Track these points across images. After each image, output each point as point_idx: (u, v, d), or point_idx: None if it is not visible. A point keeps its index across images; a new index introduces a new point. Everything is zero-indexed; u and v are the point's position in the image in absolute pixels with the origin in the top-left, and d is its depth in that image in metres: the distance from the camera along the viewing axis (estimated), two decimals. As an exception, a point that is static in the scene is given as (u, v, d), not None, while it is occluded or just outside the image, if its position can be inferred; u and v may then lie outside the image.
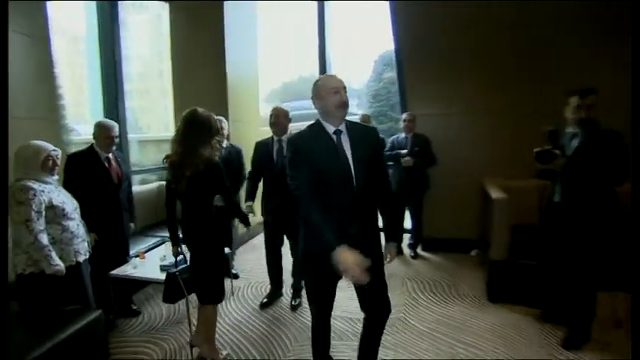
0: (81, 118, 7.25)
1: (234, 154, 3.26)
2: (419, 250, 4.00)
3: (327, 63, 4.75)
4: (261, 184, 2.92)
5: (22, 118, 2.50)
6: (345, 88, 1.66)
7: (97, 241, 2.41)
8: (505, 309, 2.75)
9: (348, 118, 1.71)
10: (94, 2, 3.72)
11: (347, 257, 1.43)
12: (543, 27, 3.55)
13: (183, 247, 2.25)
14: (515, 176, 3.31)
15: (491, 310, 2.76)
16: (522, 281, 2.78)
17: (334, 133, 1.66)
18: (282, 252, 3.00)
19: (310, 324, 1.87)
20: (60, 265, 1.92)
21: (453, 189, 3.84)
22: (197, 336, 2.23)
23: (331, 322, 1.87)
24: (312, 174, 1.59)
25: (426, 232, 4.00)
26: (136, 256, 2.73)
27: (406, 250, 4.00)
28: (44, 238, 1.88)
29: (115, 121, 2.73)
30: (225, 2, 4.18)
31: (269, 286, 3.06)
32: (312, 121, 1.73)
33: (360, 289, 1.70)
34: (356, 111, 9.96)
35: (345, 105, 1.63)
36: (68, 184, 2.31)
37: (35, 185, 1.91)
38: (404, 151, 3.70)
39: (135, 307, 2.85)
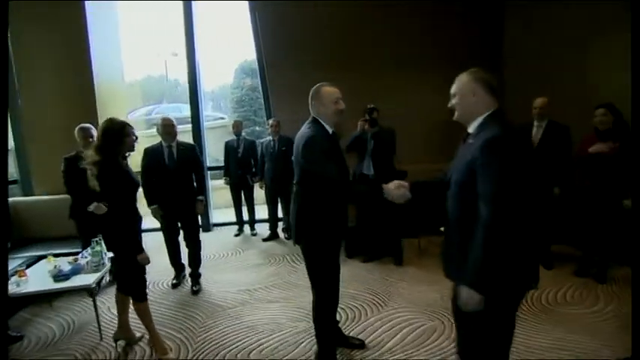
0: None
1: None
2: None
3: (195, 65, 4.94)
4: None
5: None
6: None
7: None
8: (355, 260, 3.82)
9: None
10: None
11: (389, 188, 1.77)
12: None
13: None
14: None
15: (349, 262, 3.78)
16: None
17: (332, 134, 2.02)
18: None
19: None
20: None
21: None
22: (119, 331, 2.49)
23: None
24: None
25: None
26: (13, 274, 2.58)
27: (282, 234, 4.76)
28: None
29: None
30: (86, 2, 4.02)
31: (160, 283, 3.43)
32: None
33: None
34: (210, 112, 10.23)
35: (343, 113, 2.01)
36: None
37: None
38: None
39: (15, 333, 2.66)
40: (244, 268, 3.82)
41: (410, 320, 2.64)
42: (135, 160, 3.26)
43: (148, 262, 2.27)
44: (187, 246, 3.36)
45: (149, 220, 3.17)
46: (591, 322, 2.56)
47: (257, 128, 9.16)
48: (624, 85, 2.81)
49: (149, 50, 14.70)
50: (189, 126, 5.12)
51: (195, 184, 3.33)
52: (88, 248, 2.79)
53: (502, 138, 1.34)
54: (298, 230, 2.04)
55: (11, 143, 4.44)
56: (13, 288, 2.44)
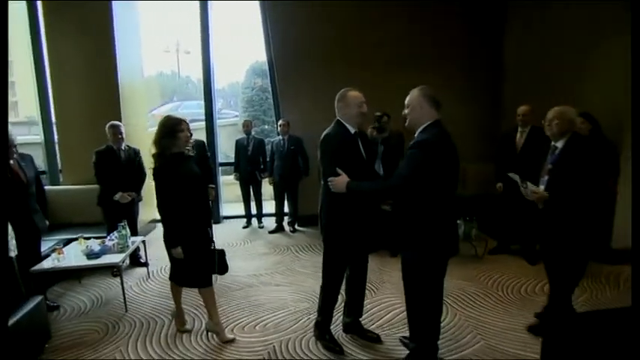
0: None
1: (133, 154, 3.73)
2: (296, 226, 5.14)
3: (210, 63, 5.23)
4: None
5: None
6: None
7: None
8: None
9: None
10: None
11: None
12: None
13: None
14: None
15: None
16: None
17: (354, 134, 2.21)
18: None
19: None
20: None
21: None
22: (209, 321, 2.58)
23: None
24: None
25: (301, 211, 5.08)
26: (52, 251, 2.95)
27: (287, 227, 5.09)
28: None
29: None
30: (113, 2, 4.33)
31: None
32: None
33: None
34: (222, 110, 10.62)
35: (365, 115, 2.21)
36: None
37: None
38: None
39: (52, 303, 3.03)
40: (252, 256, 4.16)
41: (400, 304, 2.93)
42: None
43: (181, 257, 2.30)
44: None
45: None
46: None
47: (266, 127, 9.54)
48: (623, 87, 3.09)
49: (160, 47, 15.14)
50: (203, 123, 5.45)
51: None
52: (115, 232, 3.16)
53: (430, 141, 1.82)
54: (321, 223, 2.29)
55: (41, 136, 4.86)
56: (54, 262, 2.82)
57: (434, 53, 4.91)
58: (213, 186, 3.73)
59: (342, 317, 2.60)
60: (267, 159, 4.99)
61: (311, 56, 4.90)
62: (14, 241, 2.42)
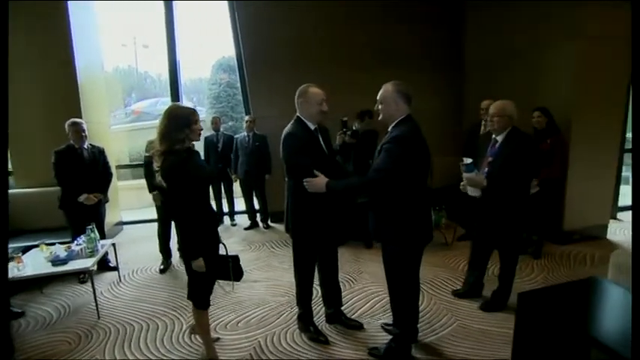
0: None
1: (98, 153, 3.53)
2: (269, 222, 5.12)
3: (176, 60, 5.13)
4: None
5: None
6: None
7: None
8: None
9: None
10: None
11: None
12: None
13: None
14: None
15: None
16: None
17: (314, 130, 2.23)
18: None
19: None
20: None
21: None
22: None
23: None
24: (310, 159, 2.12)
25: (272, 207, 5.03)
26: (10, 259, 2.73)
27: (260, 224, 5.07)
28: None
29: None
30: (68, 2, 4.07)
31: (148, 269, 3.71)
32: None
33: None
34: (189, 105, 10.36)
35: (326, 113, 2.21)
36: None
37: None
38: None
39: (16, 310, 2.85)
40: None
41: (378, 292, 3.05)
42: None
43: (203, 271, 2.01)
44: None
45: (140, 212, 3.37)
46: (523, 287, 3.06)
47: (232, 123, 9.34)
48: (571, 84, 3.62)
49: (117, 41, 14.29)
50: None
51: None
52: (82, 236, 2.99)
53: (404, 136, 1.89)
54: (287, 218, 2.32)
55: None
56: (13, 272, 2.62)
57: (397, 53, 5.10)
58: None
59: (324, 309, 2.65)
60: (232, 155, 4.91)
61: (281, 53, 4.90)
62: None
